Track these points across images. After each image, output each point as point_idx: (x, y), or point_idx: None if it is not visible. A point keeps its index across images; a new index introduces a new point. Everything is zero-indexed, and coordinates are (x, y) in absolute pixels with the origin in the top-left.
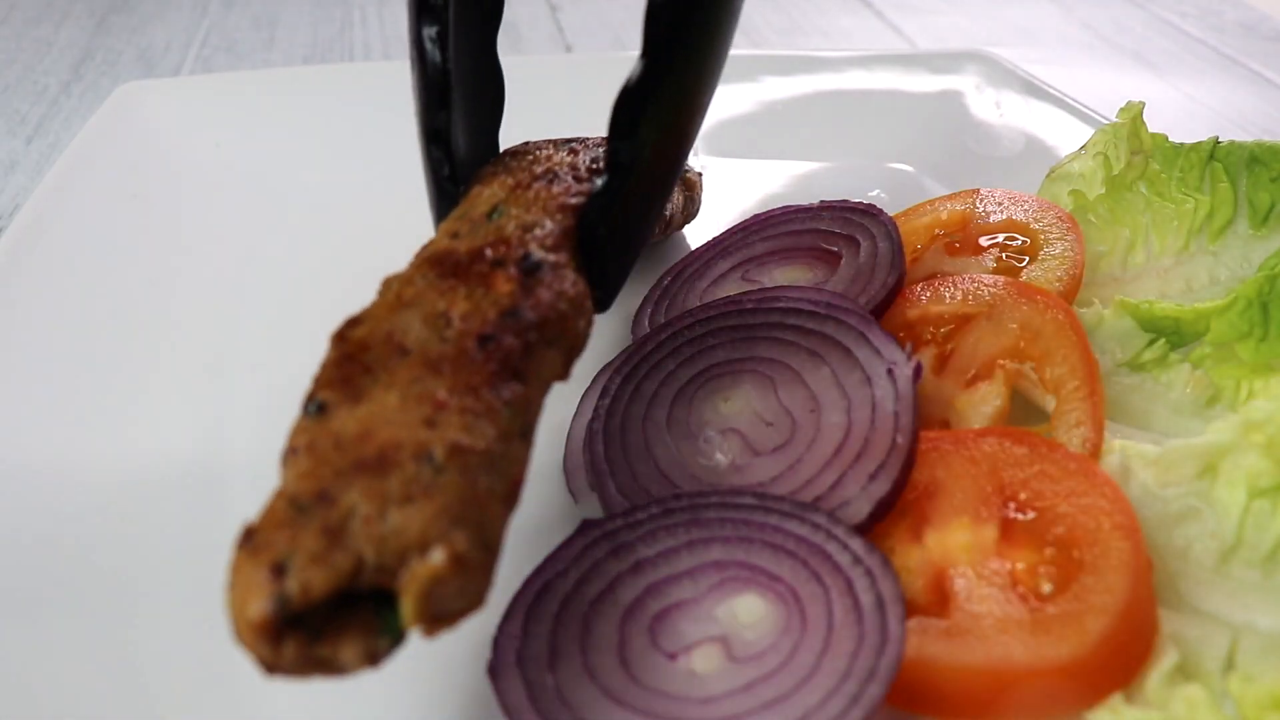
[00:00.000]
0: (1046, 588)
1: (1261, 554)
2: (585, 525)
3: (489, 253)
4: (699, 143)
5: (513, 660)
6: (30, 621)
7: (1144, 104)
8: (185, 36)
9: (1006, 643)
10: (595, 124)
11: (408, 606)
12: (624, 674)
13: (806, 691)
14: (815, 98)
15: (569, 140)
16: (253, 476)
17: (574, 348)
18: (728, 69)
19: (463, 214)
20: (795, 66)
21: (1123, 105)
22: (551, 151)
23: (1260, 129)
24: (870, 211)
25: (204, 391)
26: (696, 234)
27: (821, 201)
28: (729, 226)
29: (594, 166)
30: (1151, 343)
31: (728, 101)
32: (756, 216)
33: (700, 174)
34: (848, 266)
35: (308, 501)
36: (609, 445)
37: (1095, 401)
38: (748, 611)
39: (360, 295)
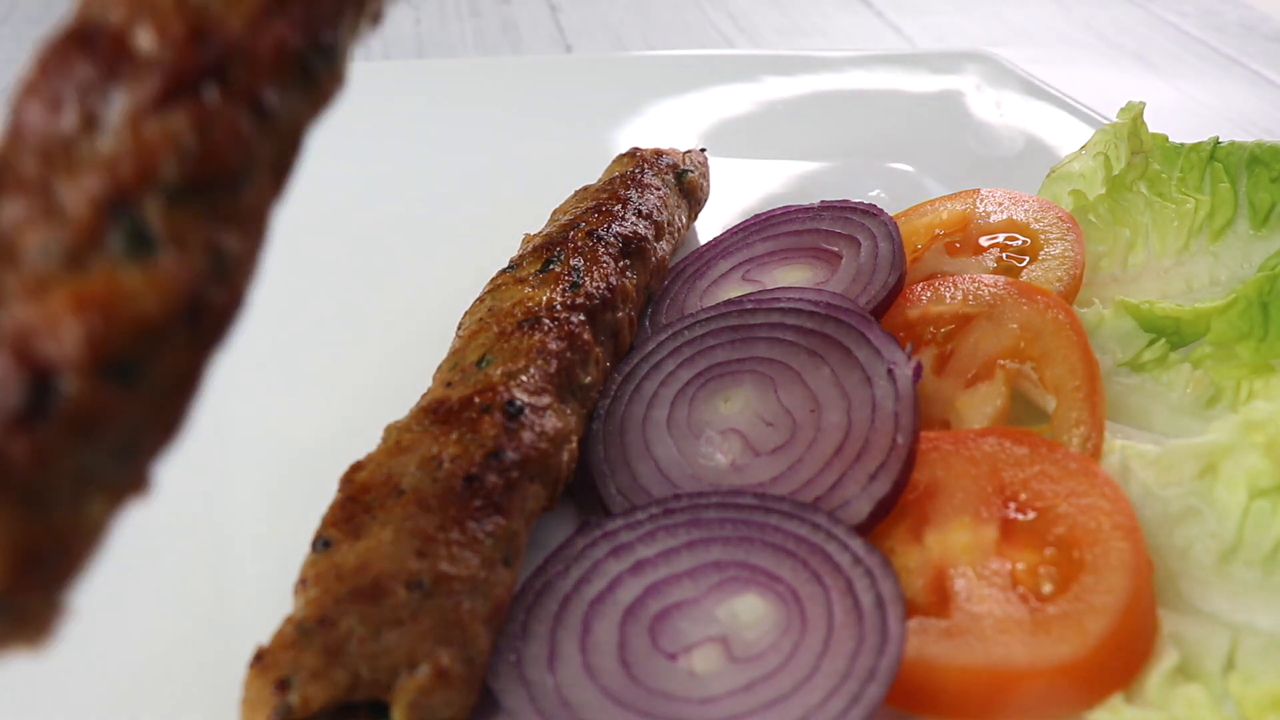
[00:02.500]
0: (1047, 588)
1: (1262, 554)
2: (585, 525)
3: (477, 400)
4: (702, 139)
5: (513, 660)
6: None
7: (1144, 104)
8: None
9: (1006, 643)
10: (595, 124)
11: (398, 716)
12: (624, 674)
13: (806, 691)
14: (815, 98)
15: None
16: (252, 478)
17: (557, 480)
18: (728, 68)
19: (455, 363)
20: (795, 66)
21: (1123, 105)
22: (533, 289)
23: (1260, 129)
24: (870, 211)
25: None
26: (698, 234)
27: (822, 201)
28: (729, 227)
29: (572, 302)
30: (1152, 343)
31: (728, 101)
32: (757, 216)
33: (704, 150)
34: (848, 266)
35: (311, 626)
36: (609, 445)
37: (1095, 401)
38: (748, 611)
39: (358, 294)
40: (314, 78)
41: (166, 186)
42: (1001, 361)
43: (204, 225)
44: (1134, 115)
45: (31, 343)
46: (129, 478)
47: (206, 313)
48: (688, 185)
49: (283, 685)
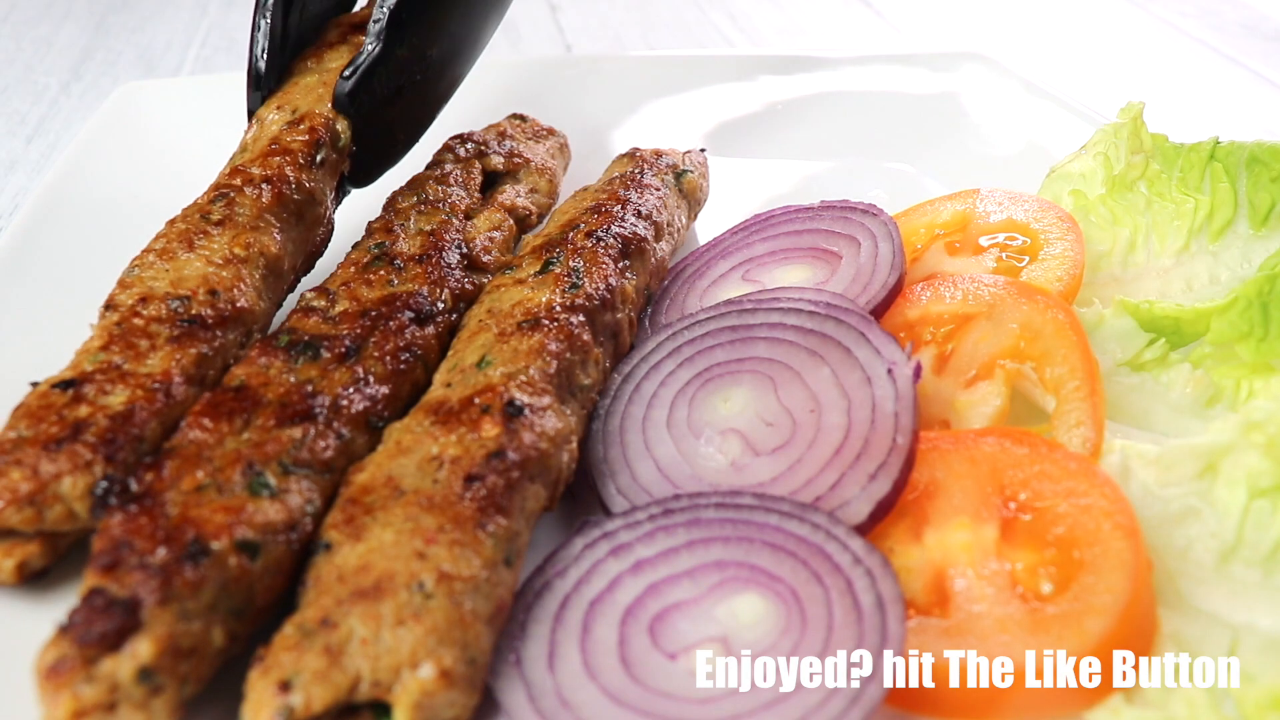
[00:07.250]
0: (1046, 588)
1: (1261, 554)
2: (585, 525)
3: (477, 400)
4: (702, 139)
5: (513, 660)
6: None
7: (1144, 104)
8: (185, 36)
9: (1007, 643)
10: (595, 123)
11: (401, 717)
12: (624, 674)
13: (806, 691)
14: (815, 98)
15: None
16: None
17: (558, 480)
18: (728, 69)
19: (455, 364)
20: (795, 66)
21: (1123, 105)
22: (532, 290)
23: (1260, 129)
24: (870, 211)
25: None
26: (697, 234)
27: (821, 201)
28: (729, 227)
29: (572, 303)
30: (1151, 343)
31: (728, 101)
32: (756, 216)
33: (704, 150)
34: (848, 266)
35: (313, 626)
36: (609, 446)
37: (1095, 401)
38: (748, 611)
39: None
40: None
41: (283, 463)
42: (1001, 361)
43: (305, 486)
44: (1134, 115)
45: (200, 527)
46: (242, 626)
47: (298, 529)
48: (687, 186)
49: (285, 686)
